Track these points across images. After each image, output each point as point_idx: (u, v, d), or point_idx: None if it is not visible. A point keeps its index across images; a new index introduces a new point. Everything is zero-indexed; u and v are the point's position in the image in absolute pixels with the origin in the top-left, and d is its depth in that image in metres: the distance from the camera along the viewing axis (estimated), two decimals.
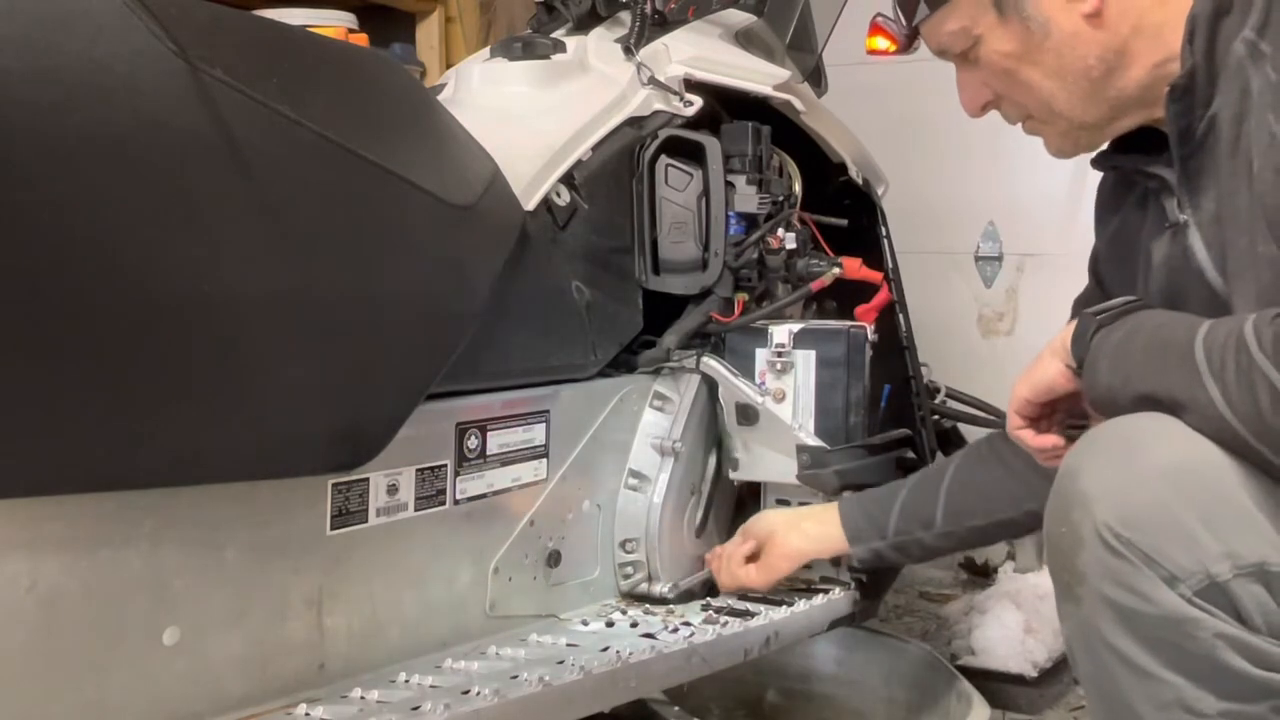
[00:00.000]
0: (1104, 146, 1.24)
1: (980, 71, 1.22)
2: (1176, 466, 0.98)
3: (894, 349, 1.79)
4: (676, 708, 1.50)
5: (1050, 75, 1.17)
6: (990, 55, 1.19)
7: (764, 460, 1.59)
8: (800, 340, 1.59)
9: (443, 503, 1.27)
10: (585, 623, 1.41)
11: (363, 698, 1.13)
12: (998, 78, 1.21)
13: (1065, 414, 1.18)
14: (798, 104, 1.76)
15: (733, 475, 1.63)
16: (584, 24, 1.69)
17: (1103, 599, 0.98)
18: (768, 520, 1.55)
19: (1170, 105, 1.11)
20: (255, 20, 1.17)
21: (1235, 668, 0.96)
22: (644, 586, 1.51)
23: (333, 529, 1.15)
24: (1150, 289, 1.18)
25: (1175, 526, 0.96)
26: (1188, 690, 0.97)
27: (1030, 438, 1.18)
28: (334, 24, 1.93)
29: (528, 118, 1.51)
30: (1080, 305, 1.30)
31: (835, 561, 1.58)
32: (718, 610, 1.48)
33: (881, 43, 1.30)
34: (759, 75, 1.73)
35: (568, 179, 1.45)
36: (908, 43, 1.26)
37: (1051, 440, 1.17)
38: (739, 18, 1.83)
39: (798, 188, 1.73)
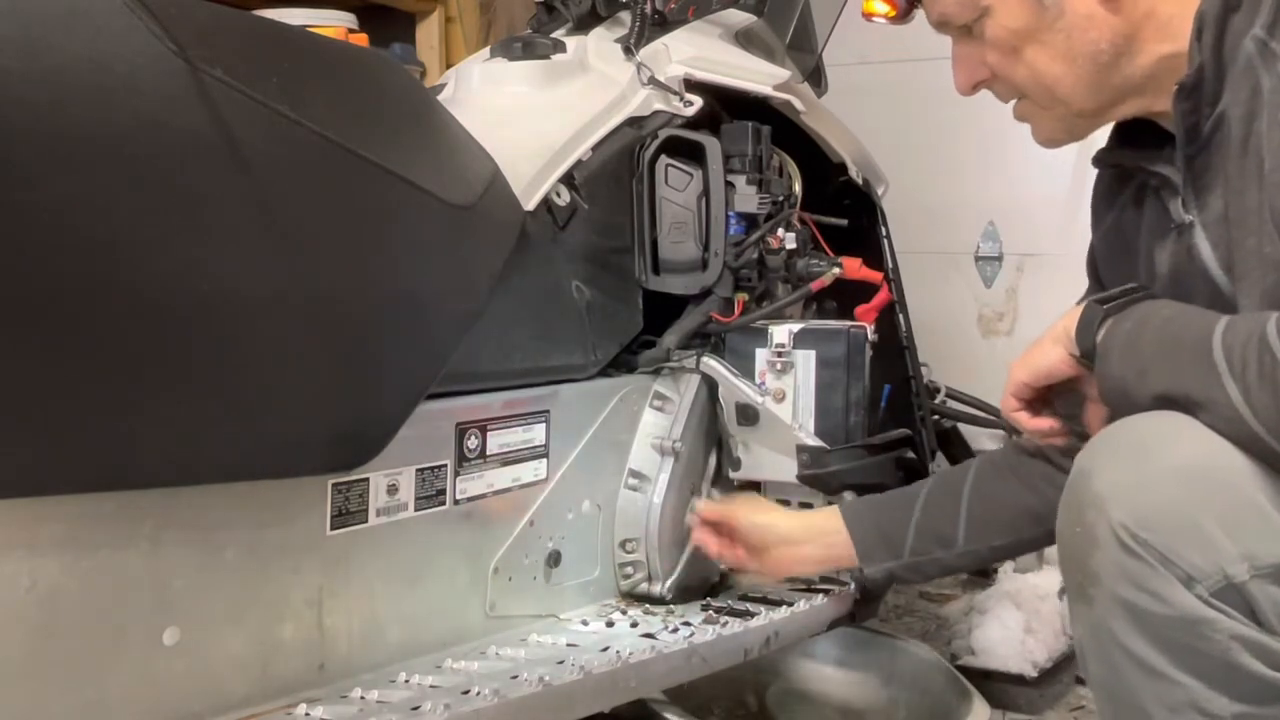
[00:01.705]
0: (1105, 144, 1.23)
1: (981, 48, 1.16)
2: (1193, 467, 0.98)
3: (894, 349, 1.79)
4: (676, 707, 1.50)
5: (1057, 58, 1.13)
6: (996, 31, 1.14)
7: (764, 460, 1.59)
8: (800, 340, 1.59)
9: (443, 503, 1.26)
10: (585, 623, 1.41)
11: (363, 698, 1.13)
12: (1000, 56, 1.16)
13: (1059, 397, 1.18)
14: (798, 104, 1.76)
15: (733, 475, 1.62)
16: (584, 24, 1.69)
17: (1116, 599, 0.98)
18: (763, 531, 1.48)
19: (1178, 103, 1.09)
20: (255, 20, 1.16)
21: (1250, 669, 0.95)
22: (644, 586, 1.51)
23: (333, 529, 1.15)
24: (1153, 289, 1.17)
25: (1192, 527, 0.96)
26: (1200, 692, 0.96)
27: (1026, 420, 1.18)
28: (334, 24, 1.93)
29: (528, 118, 1.51)
30: None
31: None
32: (718, 610, 1.48)
33: (880, 6, 1.28)
34: (759, 75, 1.73)
35: (568, 179, 1.45)
36: (907, 8, 1.22)
37: (1048, 423, 1.17)
38: (739, 18, 1.83)
39: (798, 188, 1.73)
